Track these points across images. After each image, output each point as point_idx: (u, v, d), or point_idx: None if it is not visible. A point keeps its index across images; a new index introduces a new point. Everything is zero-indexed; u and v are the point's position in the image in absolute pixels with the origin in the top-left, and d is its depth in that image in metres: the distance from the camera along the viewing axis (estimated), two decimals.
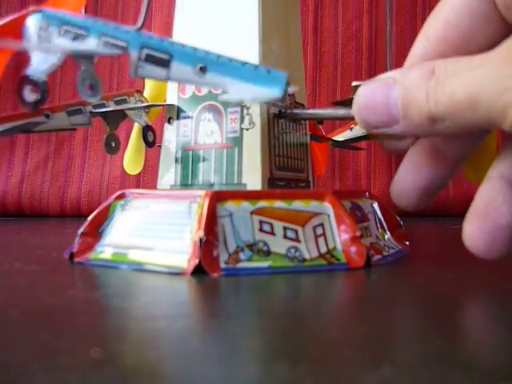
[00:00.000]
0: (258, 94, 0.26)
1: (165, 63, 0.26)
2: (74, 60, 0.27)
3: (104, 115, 0.43)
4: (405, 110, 0.19)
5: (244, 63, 0.26)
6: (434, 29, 0.22)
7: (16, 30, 0.26)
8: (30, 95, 0.26)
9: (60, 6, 0.27)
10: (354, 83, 0.22)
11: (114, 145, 0.44)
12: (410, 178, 0.23)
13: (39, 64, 0.26)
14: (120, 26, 0.26)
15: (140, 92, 0.46)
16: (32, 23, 0.26)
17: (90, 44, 0.26)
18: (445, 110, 0.18)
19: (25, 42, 0.26)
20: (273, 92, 0.25)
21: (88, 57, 0.27)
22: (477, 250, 0.20)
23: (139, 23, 0.27)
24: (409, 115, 0.19)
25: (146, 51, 0.26)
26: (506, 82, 0.16)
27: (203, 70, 0.25)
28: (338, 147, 0.58)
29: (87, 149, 0.80)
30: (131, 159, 0.50)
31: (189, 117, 0.33)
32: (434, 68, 0.19)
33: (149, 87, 0.48)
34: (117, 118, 0.43)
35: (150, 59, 0.26)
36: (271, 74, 0.25)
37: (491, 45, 0.19)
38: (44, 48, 0.26)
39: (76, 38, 0.26)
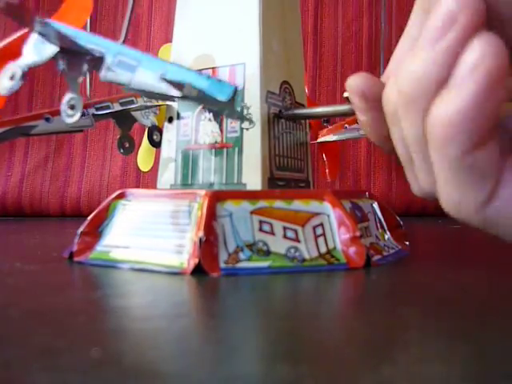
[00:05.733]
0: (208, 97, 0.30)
1: (132, 68, 0.29)
2: (62, 75, 0.31)
3: (114, 117, 0.43)
4: None
5: (200, 73, 0.30)
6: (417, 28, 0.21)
7: (17, 48, 0.30)
8: (6, 82, 0.30)
9: (63, 21, 0.30)
10: (346, 94, 0.22)
11: (127, 145, 0.45)
12: None
13: (28, 59, 0.30)
14: (103, 38, 0.31)
15: None
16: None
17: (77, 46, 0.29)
18: None
19: (25, 44, 0.30)
20: (219, 97, 0.30)
21: (74, 75, 0.30)
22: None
23: (122, 39, 0.33)
24: None
25: (119, 57, 0.29)
26: None
27: (163, 75, 0.29)
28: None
29: (87, 149, 0.80)
30: (143, 156, 0.52)
31: (188, 117, 0.33)
32: None
33: None
34: (127, 120, 0.43)
35: (121, 65, 0.29)
36: (220, 83, 0.30)
37: None
38: (40, 47, 0.29)
39: (66, 41, 0.29)
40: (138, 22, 0.81)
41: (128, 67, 0.29)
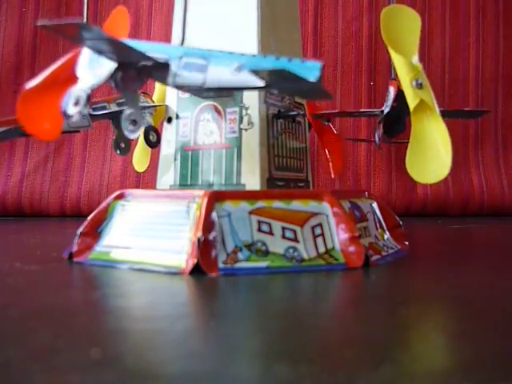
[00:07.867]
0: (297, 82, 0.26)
1: (202, 68, 0.27)
2: (119, 93, 0.30)
3: (110, 117, 0.43)
4: None
5: (278, 57, 0.26)
6: None
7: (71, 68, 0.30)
8: (72, 108, 0.28)
9: (111, 33, 0.29)
10: None
11: (123, 146, 0.45)
12: None
13: (87, 81, 0.29)
14: (159, 43, 0.29)
15: (147, 94, 0.46)
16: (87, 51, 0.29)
17: (137, 59, 0.28)
18: None
19: (78, 65, 0.29)
20: (310, 78, 0.25)
21: (132, 90, 0.29)
22: None
23: (179, 40, 0.32)
24: None
25: (184, 59, 0.27)
26: None
27: (239, 68, 0.26)
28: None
29: (87, 149, 0.80)
30: (138, 157, 0.52)
31: (187, 117, 0.33)
32: None
33: (158, 90, 0.49)
34: None
35: (188, 67, 0.27)
36: (304, 63, 0.25)
37: None
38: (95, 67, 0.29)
39: (123, 53, 0.28)
40: (138, 22, 0.81)
41: (197, 68, 0.27)
